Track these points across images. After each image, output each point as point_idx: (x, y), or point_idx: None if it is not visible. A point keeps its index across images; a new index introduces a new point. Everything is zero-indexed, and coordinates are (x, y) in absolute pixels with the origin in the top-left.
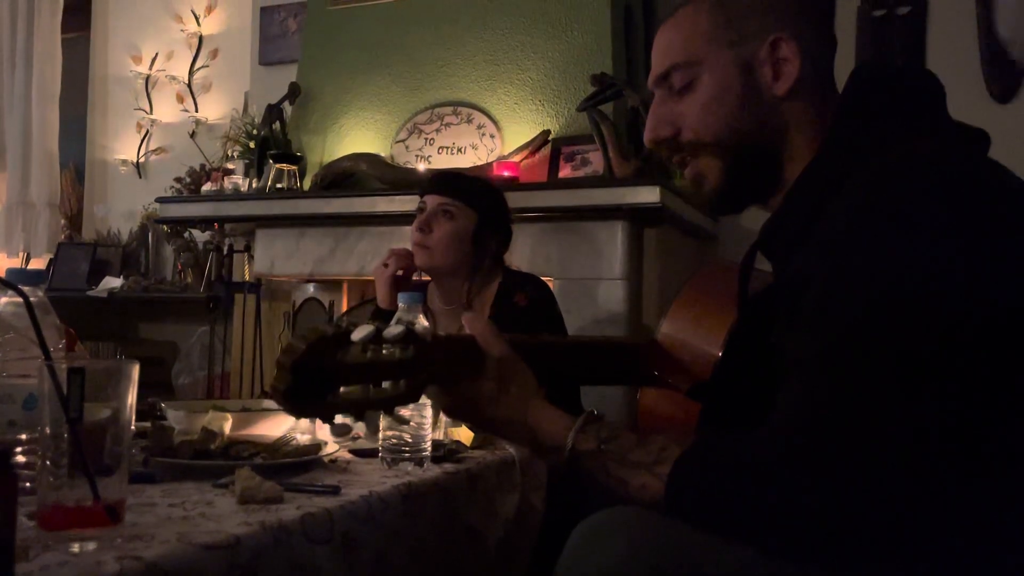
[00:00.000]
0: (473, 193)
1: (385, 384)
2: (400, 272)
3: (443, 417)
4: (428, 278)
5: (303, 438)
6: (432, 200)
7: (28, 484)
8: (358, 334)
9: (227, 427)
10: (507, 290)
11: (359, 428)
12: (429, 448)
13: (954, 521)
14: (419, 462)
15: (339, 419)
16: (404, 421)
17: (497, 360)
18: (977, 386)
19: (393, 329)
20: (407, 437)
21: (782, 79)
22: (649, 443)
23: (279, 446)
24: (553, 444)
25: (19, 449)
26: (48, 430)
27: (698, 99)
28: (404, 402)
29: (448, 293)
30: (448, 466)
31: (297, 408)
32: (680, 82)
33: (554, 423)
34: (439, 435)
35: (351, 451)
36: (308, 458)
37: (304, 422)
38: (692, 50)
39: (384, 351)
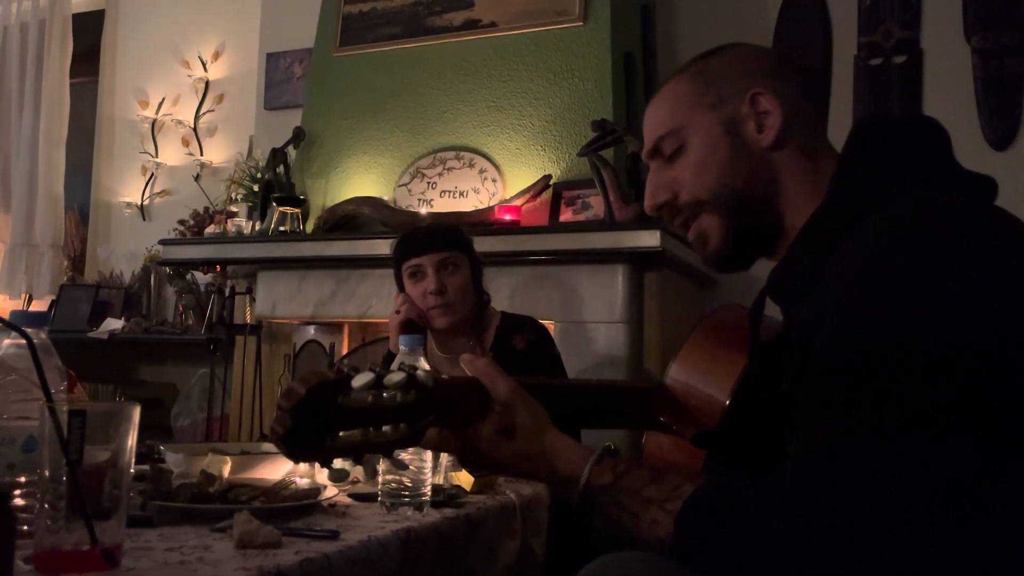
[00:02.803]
0: (461, 239)
1: (385, 428)
2: (410, 318)
3: (443, 462)
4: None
5: (302, 482)
6: (430, 259)
7: (26, 527)
8: (359, 380)
9: (226, 470)
10: (505, 333)
11: (357, 472)
12: (429, 493)
13: (972, 569)
14: (419, 507)
15: (337, 463)
16: (403, 466)
17: (505, 397)
18: (994, 432)
19: (394, 376)
20: (407, 481)
21: (766, 130)
22: (664, 480)
23: (278, 490)
24: (569, 475)
25: (18, 492)
26: (47, 473)
27: (690, 161)
28: (404, 446)
29: (450, 342)
30: (448, 511)
31: (296, 452)
32: (670, 148)
33: (572, 453)
34: (439, 480)
35: (350, 495)
36: (307, 502)
37: (303, 466)
38: (677, 118)
39: (385, 395)
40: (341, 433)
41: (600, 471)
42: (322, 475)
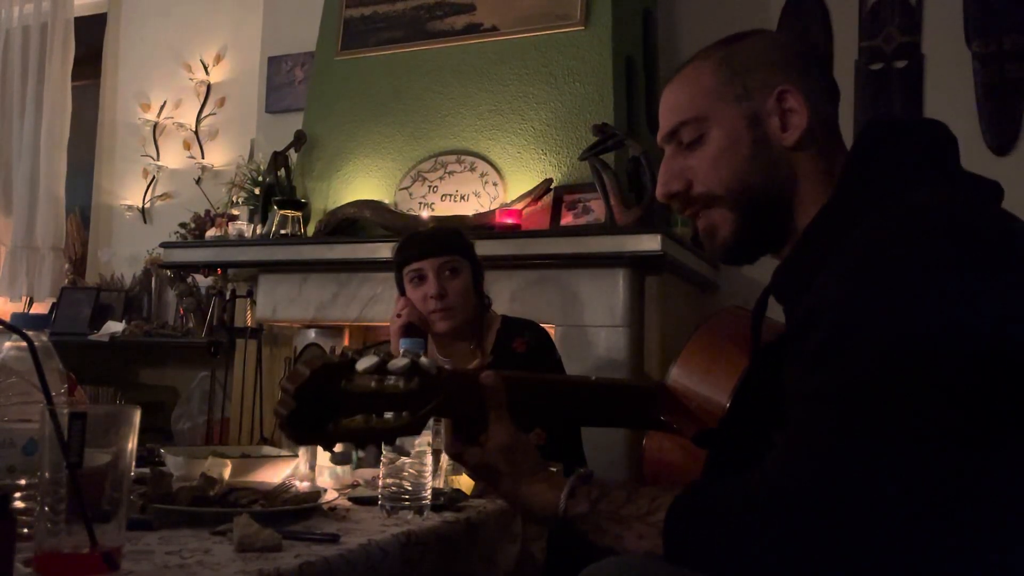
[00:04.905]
0: (462, 243)
1: (388, 415)
2: (411, 322)
3: (443, 465)
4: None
5: (302, 485)
6: (431, 263)
7: (26, 530)
8: (363, 364)
9: (226, 473)
10: (506, 337)
11: (359, 474)
12: (429, 496)
13: (956, 571)
14: (419, 510)
15: (339, 447)
16: (405, 453)
17: (495, 443)
18: (981, 431)
19: (398, 361)
20: (407, 485)
21: (790, 130)
22: (639, 496)
23: (278, 493)
24: (546, 514)
25: (18, 494)
26: (47, 475)
27: (708, 153)
28: (406, 433)
29: (451, 346)
30: (448, 515)
31: (298, 434)
32: (689, 137)
33: (544, 494)
34: (439, 483)
35: (351, 499)
36: (307, 506)
37: (303, 468)
38: (699, 106)
39: (388, 382)
40: (344, 418)
41: (575, 504)
42: (323, 476)
